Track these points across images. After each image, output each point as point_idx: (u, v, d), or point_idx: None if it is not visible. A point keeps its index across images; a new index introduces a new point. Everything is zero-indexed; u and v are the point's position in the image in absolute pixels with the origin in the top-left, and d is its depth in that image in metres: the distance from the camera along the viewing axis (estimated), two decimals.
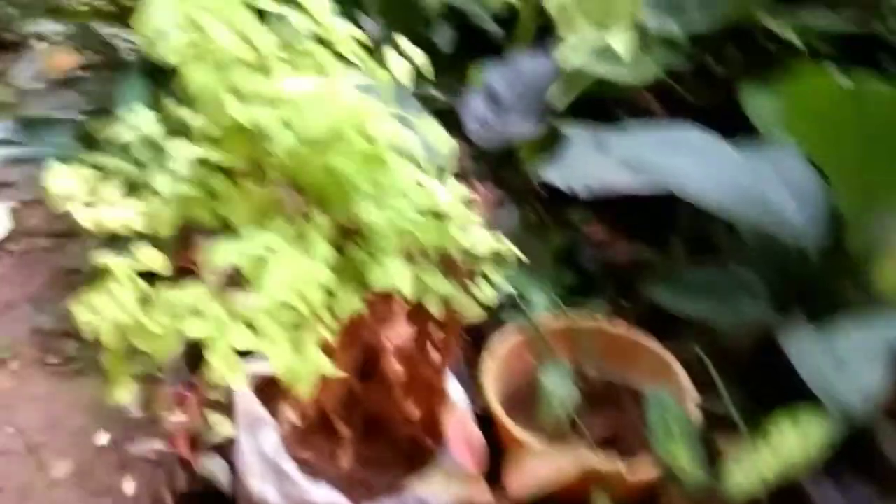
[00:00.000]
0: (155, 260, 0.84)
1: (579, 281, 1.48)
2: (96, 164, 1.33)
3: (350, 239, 0.94)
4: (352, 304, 0.89)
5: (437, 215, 0.92)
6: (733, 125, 1.46)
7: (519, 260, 0.98)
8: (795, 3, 1.59)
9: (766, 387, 1.31)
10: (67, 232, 1.99)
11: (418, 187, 0.92)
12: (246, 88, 0.85)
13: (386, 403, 1.13)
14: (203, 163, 0.90)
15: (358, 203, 0.90)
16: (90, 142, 1.48)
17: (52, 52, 1.65)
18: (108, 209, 0.86)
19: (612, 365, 1.31)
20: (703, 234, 1.57)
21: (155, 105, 1.41)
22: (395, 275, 0.89)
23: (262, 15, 0.89)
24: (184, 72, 0.85)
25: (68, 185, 0.91)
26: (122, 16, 1.64)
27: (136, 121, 0.95)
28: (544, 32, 1.79)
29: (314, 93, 0.82)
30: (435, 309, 0.96)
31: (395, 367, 1.10)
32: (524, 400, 1.26)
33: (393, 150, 0.90)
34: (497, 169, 1.43)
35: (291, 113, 0.83)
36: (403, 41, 0.91)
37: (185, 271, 0.90)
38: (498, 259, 0.96)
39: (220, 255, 0.83)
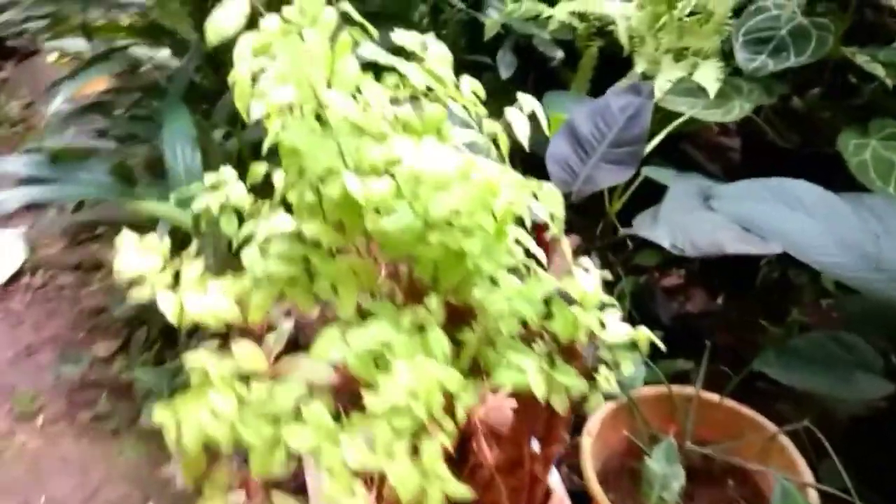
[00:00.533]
0: (254, 358, 0.71)
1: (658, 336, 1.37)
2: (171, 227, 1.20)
3: (462, 324, 0.82)
4: (472, 403, 0.77)
5: (568, 299, 0.80)
6: (819, 165, 1.35)
7: None
8: (880, 38, 1.49)
9: (878, 462, 1.20)
10: (89, 264, 1.86)
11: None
12: (358, 155, 0.72)
13: (478, 491, 1.01)
14: (298, 236, 0.78)
15: (477, 284, 0.78)
16: (127, 177, 1.35)
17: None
18: (193, 295, 0.73)
19: (711, 437, 1.19)
20: (786, 282, 1.46)
21: (203, 141, 1.29)
22: (524, 372, 0.77)
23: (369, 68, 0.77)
24: (277, 132, 0.72)
25: (140, 261, 0.78)
26: (152, 33, 1.50)
27: (223, 187, 0.81)
28: (610, 60, 1.68)
29: (447, 166, 0.69)
30: (560, 405, 0.84)
31: (489, 452, 0.98)
32: (621, 475, 1.14)
33: (517, 223, 0.79)
34: (577, 213, 1.31)
35: (414, 186, 0.71)
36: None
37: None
38: (631, 346, 0.84)
39: (326, 349, 0.71)
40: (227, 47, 1.36)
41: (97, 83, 1.46)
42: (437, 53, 0.78)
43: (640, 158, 1.24)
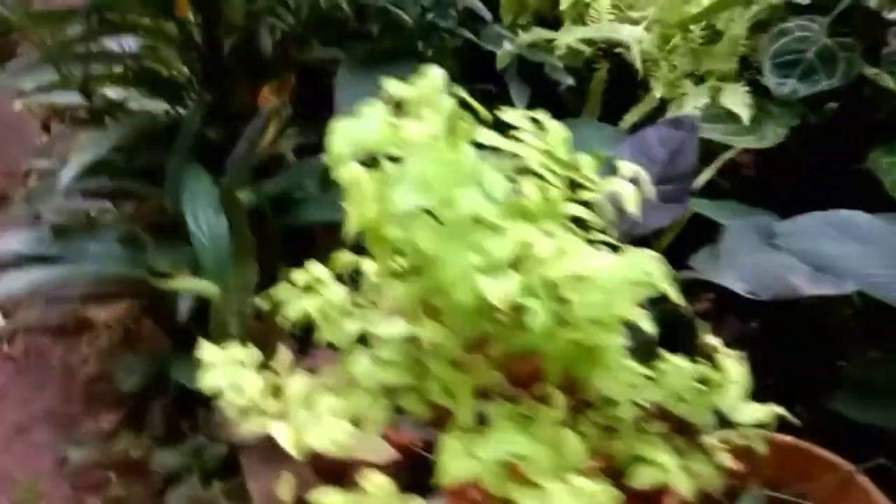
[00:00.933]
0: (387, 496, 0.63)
1: None
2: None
3: (584, 416, 0.76)
4: None
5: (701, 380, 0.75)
6: (843, 183, 1.34)
7: None
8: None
9: None
10: (73, 325, 1.72)
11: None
12: (484, 253, 0.65)
13: None
14: (412, 340, 0.70)
15: (609, 376, 0.72)
16: (139, 247, 1.24)
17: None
18: (312, 425, 0.65)
19: (783, 481, 1.16)
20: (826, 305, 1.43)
21: (227, 205, 1.19)
22: (667, 470, 0.71)
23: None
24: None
25: (231, 376, 0.69)
26: (147, 82, 1.39)
27: (319, 287, 0.72)
28: (617, 82, 1.64)
29: (595, 263, 0.63)
30: (685, 489, 0.78)
31: None
32: None
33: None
34: None
35: (553, 285, 0.64)
36: None
37: None
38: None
39: (454, 465, 0.64)
40: (235, 97, 1.26)
41: None
42: (552, 131, 0.71)
43: (689, 195, 1.19)
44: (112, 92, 1.39)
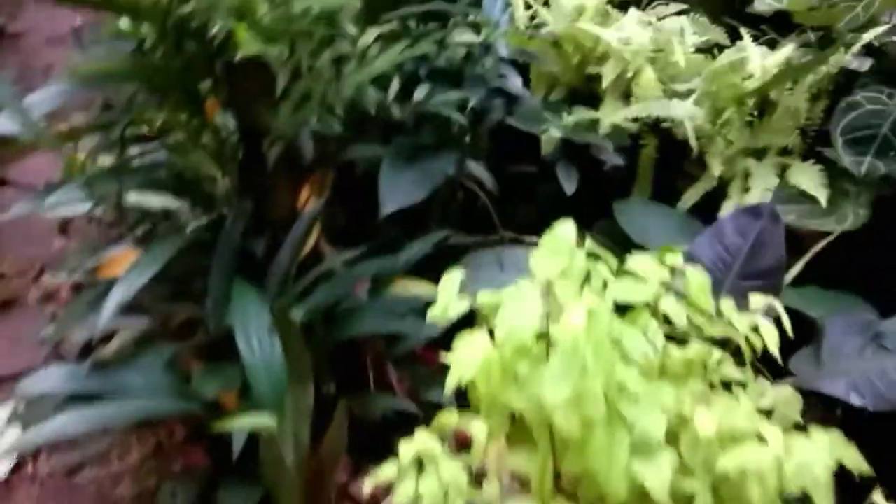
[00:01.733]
0: None
1: None
2: None
3: None
4: None
5: None
6: None
7: None
8: None
9: None
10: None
11: None
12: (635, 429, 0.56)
13: None
14: None
15: None
16: (184, 375, 1.15)
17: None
18: None
19: None
20: None
21: (280, 325, 1.10)
22: None
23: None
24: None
25: None
26: (177, 188, 1.30)
27: (432, 465, 0.63)
28: (664, 157, 1.57)
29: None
30: None
31: None
32: None
33: None
34: None
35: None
36: None
37: None
38: None
39: None
40: (275, 203, 1.16)
41: (123, 257, 1.25)
42: (692, 279, 0.63)
43: (778, 291, 1.10)
44: (143, 197, 1.30)
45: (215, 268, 1.19)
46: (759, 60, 1.44)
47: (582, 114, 1.49)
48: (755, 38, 1.76)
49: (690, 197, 1.43)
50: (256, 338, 1.06)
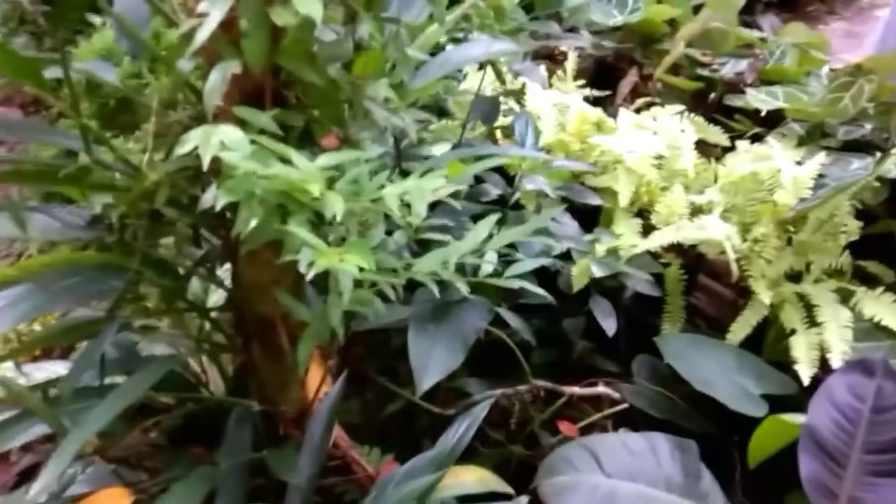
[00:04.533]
0: None
1: None
2: None
3: None
4: None
5: None
6: None
7: None
8: None
9: None
10: None
11: None
12: None
13: None
14: None
15: None
16: None
17: None
18: None
19: None
20: None
21: None
22: None
23: None
24: None
25: None
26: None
27: None
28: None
29: None
30: None
31: None
32: None
33: None
34: None
35: None
36: None
37: None
38: None
39: None
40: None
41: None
42: None
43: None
44: None
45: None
46: (790, 171, 1.32)
47: (610, 242, 1.31)
48: (732, 132, 1.67)
49: (740, 329, 1.28)
50: None
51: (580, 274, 1.26)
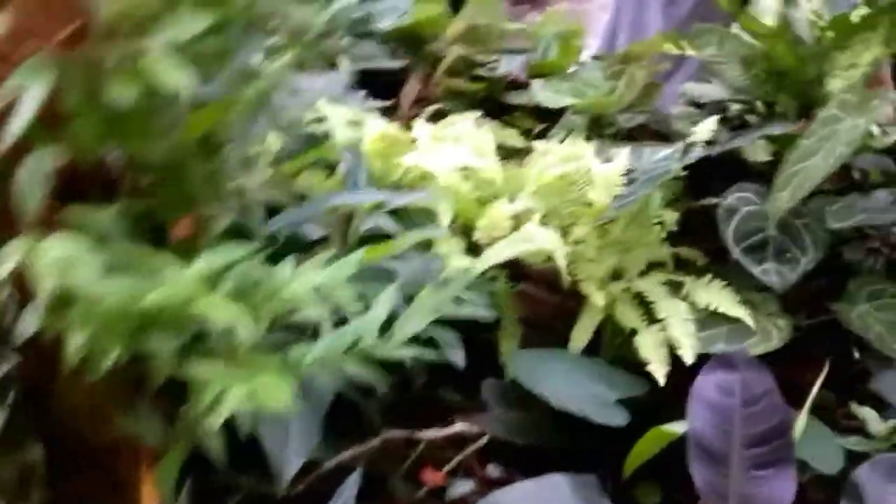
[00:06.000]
0: None
1: None
2: None
3: None
4: None
5: None
6: None
7: None
8: None
9: None
10: None
11: None
12: None
13: None
14: None
15: None
16: None
17: None
18: None
19: None
20: None
21: None
22: None
23: None
24: None
25: None
26: None
27: None
28: None
29: None
30: None
31: None
32: None
33: None
34: None
35: None
36: None
37: None
38: None
39: None
40: None
41: None
42: None
43: (793, 455, 0.98)
44: None
45: None
46: (600, 169, 1.32)
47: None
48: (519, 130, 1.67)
49: (581, 335, 1.26)
50: None
51: None
